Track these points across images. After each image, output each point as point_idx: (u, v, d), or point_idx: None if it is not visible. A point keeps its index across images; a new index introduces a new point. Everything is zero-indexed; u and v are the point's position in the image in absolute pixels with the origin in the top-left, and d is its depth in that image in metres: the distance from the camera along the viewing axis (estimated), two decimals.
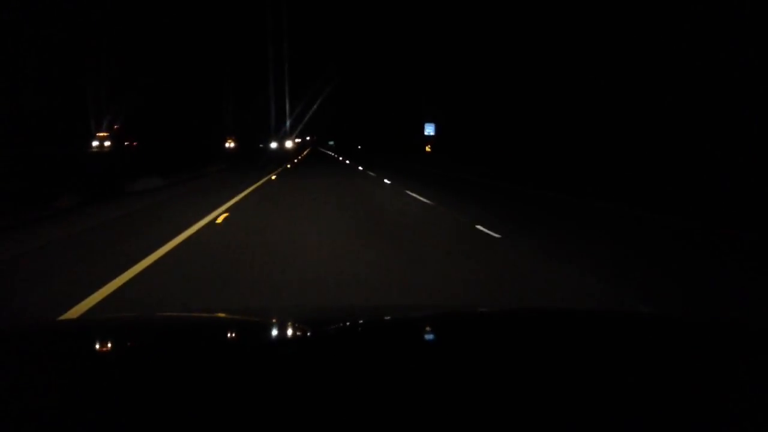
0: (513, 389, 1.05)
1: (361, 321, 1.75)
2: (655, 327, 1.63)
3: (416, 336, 1.58)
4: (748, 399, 1.01)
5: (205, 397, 0.99)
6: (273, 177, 22.19)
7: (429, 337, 1.57)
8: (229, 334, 1.67)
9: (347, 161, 41.33)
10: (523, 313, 2.02)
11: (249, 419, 0.90)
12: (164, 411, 0.93)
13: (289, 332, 1.62)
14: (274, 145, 53.50)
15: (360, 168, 30.84)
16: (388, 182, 19.91)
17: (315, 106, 72.46)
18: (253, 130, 50.87)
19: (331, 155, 58.64)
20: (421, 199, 13.67)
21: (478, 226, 8.81)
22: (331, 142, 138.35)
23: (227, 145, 36.80)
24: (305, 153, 68.22)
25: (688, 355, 1.30)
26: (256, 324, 1.77)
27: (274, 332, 1.66)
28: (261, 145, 55.36)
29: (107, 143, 35.06)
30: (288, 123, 67.53)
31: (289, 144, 70.48)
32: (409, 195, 14.73)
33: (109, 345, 1.50)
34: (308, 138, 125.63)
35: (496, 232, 8.28)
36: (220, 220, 9.71)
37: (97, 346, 1.49)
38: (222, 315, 2.12)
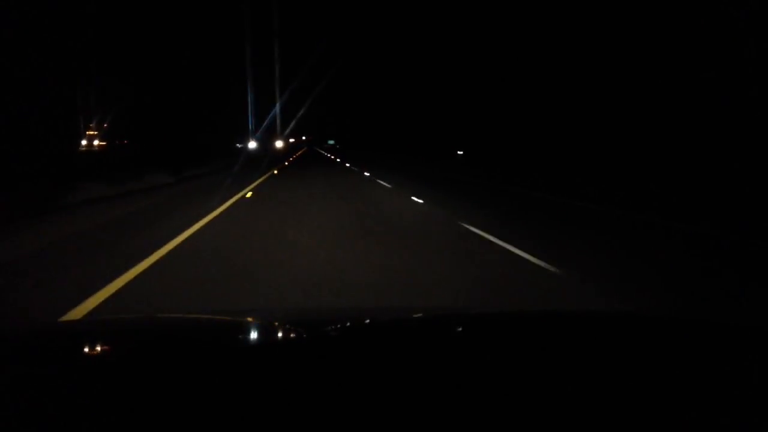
0: (511, 391, 1.05)
1: (360, 323, 1.78)
2: (654, 327, 1.65)
3: (415, 338, 1.55)
4: (748, 399, 1.02)
5: (202, 399, 0.99)
6: None
7: (427, 339, 1.53)
8: (226, 336, 1.65)
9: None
10: (523, 315, 2.03)
11: (247, 421, 0.90)
12: (162, 413, 0.95)
13: (290, 335, 1.65)
14: (252, 145, 47.21)
15: None
16: None
17: (308, 102, 68.75)
18: (226, 126, 45.99)
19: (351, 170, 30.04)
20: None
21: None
22: (331, 142, 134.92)
23: (88, 142, 22.72)
24: (297, 155, 59.38)
25: (688, 355, 1.30)
26: (253, 325, 1.81)
27: (271, 335, 1.69)
28: (239, 145, 50.50)
29: None
30: (277, 111, 61.98)
31: (279, 144, 65.54)
32: None
33: (104, 348, 1.49)
34: (303, 137, 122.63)
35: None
36: None
37: (94, 349, 1.48)
38: (220, 317, 2.09)
